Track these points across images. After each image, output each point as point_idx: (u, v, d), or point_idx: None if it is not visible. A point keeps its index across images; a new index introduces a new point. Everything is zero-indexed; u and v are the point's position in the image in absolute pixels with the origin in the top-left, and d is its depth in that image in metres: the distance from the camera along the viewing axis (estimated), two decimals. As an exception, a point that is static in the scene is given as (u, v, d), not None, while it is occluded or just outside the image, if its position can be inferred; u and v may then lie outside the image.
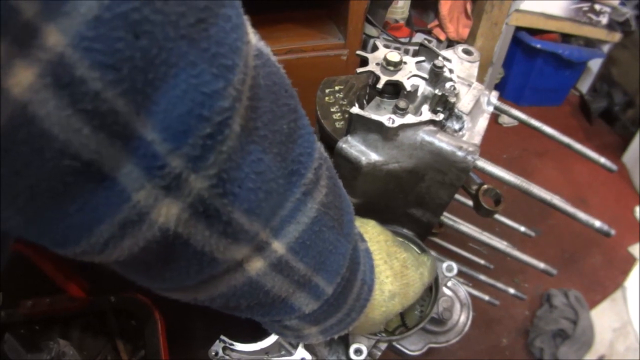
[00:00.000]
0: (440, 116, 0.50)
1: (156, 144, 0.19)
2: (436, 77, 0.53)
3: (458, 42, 1.75)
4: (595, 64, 2.09)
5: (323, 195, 0.32)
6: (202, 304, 0.34)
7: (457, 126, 0.55)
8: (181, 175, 0.21)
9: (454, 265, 0.59)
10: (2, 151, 0.16)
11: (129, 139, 0.19)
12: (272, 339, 0.56)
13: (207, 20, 0.20)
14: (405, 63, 0.51)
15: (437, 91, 0.51)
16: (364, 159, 0.50)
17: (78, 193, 0.19)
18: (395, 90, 0.51)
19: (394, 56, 0.50)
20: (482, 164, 0.50)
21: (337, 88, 0.63)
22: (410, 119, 0.48)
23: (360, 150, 0.50)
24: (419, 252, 0.57)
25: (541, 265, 0.68)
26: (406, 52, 1.63)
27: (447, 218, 0.62)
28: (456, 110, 0.55)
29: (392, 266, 0.48)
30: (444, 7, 1.71)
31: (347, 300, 0.41)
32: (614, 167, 0.61)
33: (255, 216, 0.26)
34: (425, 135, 0.49)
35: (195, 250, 0.25)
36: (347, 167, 0.52)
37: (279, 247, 0.30)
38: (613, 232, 0.49)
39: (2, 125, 0.16)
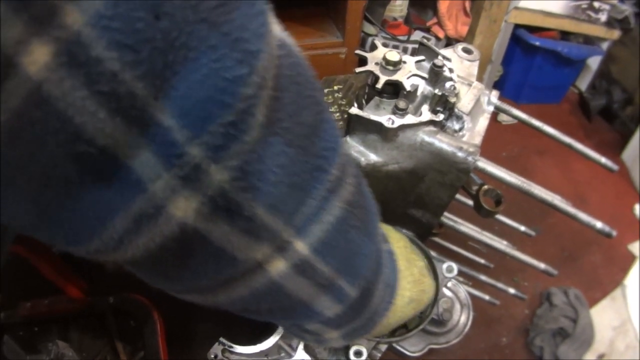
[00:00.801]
0: (441, 116, 0.50)
1: (174, 131, 0.18)
2: (436, 76, 0.53)
3: (457, 40, 1.75)
4: (594, 62, 2.09)
5: (349, 194, 0.30)
6: (222, 308, 0.33)
7: (457, 126, 0.55)
8: (201, 166, 0.20)
9: (454, 266, 0.58)
10: (17, 132, 0.16)
11: (146, 125, 0.18)
12: (271, 341, 0.56)
13: (229, 4, 0.19)
14: (404, 62, 0.51)
15: (437, 91, 0.51)
16: (363, 160, 0.49)
17: (92, 182, 0.19)
18: (394, 90, 0.51)
19: (393, 55, 0.50)
20: (483, 164, 0.50)
21: (335, 88, 0.62)
22: (410, 119, 0.48)
23: (360, 151, 0.50)
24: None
25: (541, 265, 0.68)
26: (405, 50, 1.62)
27: (447, 218, 0.62)
28: (456, 110, 0.55)
29: (412, 273, 0.47)
30: (443, 5, 1.71)
31: (371, 304, 0.40)
32: (615, 166, 0.60)
33: (279, 213, 0.25)
34: (425, 136, 0.49)
35: (215, 247, 0.24)
36: (346, 168, 0.51)
37: (302, 247, 0.28)
38: (615, 233, 0.48)
39: (18, 104, 0.15)
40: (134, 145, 0.18)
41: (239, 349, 0.55)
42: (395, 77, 0.50)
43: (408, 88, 0.49)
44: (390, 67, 0.50)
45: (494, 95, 0.61)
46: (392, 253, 0.45)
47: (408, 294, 0.45)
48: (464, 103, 0.55)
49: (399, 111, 0.48)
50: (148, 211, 0.20)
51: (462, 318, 0.65)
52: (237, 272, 0.27)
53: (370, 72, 0.51)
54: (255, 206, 0.23)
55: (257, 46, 0.20)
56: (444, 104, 0.52)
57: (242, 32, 0.19)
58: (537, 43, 1.86)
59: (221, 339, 0.55)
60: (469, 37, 1.77)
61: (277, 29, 0.24)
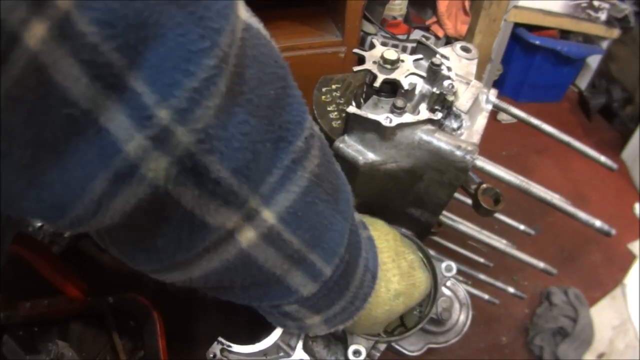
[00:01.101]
0: (439, 115, 0.50)
1: (145, 96, 0.21)
2: (434, 75, 0.53)
3: (456, 39, 1.75)
4: (594, 61, 2.09)
5: (314, 166, 0.32)
6: (198, 287, 0.34)
7: (455, 125, 0.55)
8: (168, 127, 0.22)
9: (453, 265, 0.58)
10: (16, 98, 0.18)
11: (121, 91, 0.20)
12: (270, 340, 0.56)
13: None
14: (402, 61, 0.51)
15: (435, 89, 0.51)
16: (361, 159, 0.49)
17: (76, 143, 0.21)
18: (392, 88, 0.51)
19: (391, 54, 0.50)
20: (481, 163, 0.50)
21: (334, 87, 0.62)
22: (408, 118, 0.48)
23: (358, 149, 0.50)
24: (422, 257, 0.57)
25: (541, 264, 0.68)
26: (404, 49, 1.62)
27: (446, 217, 0.62)
28: (454, 109, 0.55)
29: (399, 265, 0.47)
30: (442, 4, 1.70)
31: (350, 287, 0.40)
32: (614, 165, 0.60)
33: (244, 177, 0.26)
34: (423, 135, 0.49)
35: (186, 211, 0.25)
36: (344, 167, 0.51)
37: (269, 216, 0.29)
38: (614, 231, 0.48)
39: (18, 72, 0.18)
40: (111, 109, 0.21)
41: (238, 348, 0.54)
42: (393, 76, 0.50)
43: (406, 87, 0.49)
44: (388, 66, 0.50)
45: (493, 93, 0.61)
46: (372, 239, 0.45)
47: (395, 287, 0.46)
48: (462, 102, 0.55)
49: (396, 110, 0.48)
50: (123, 171, 0.22)
51: (461, 317, 0.65)
52: (210, 242, 0.28)
53: (368, 71, 0.51)
54: (221, 169, 0.25)
55: (220, 24, 0.23)
56: (442, 103, 0.52)
57: (207, 11, 0.22)
58: (537, 42, 1.86)
59: (220, 338, 0.55)
60: (469, 36, 1.77)
61: (244, 14, 0.26)
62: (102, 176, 0.22)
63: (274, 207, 0.29)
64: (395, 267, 0.47)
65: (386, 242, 0.48)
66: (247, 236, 0.29)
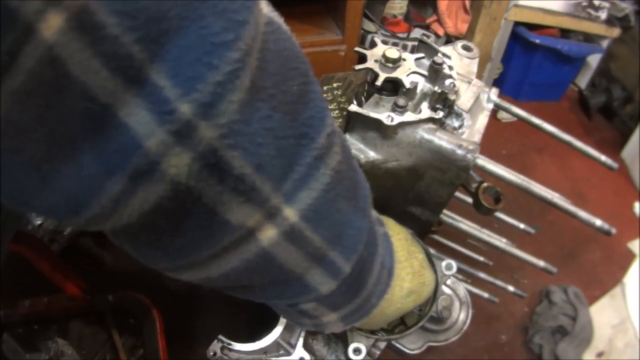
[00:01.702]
0: (440, 114, 0.49)
1: (167, 90, 0.20)
2: (435, 74, 0.53)
3: (457, 38, 1.75)
4: (594, 60, 2.08)
5: (336, 162, 0.31)
6: (216, 286, 0.33)
7: (456, 124, 0.55)
8: (191, 122, 0.21)
9: (453, 264, 0.58)
10: (30, 93, 0.18)
11: (142, 84, 0.20)
12: (270, 338, 0.56)
13: None
14: (404, 60, 0.51)
15: (436, 88, 0.51)
16: (362, 157, 0.49)
17: (93, 140, 0.20)
18: (394, 87, 0.51)
19: (392, 53, 0.50)
20: (482, 162, 0.50)
21: (335, 85, 0.62)
22: (409, 116, 0.48)
23: (359, 148, 0.50)
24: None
25: (541, 263, 0.68)
26: (404, 47, 1.62)
27: (447, 216, 0.62)
28: (456, 108, 0.55)
29: (412, 264, 0.47)
30: (443, 3, 1.70)
31: (367, 284, 0.40)
32: (614, 165, 0.60)
33: (267, 174, 0.26)
34: (424, 133, 0.49)
35: (207, 209, 0.25)
36: (345, 165, 0.51)
37: (291, 214, 0.29)
38: (614, 230, 0.48)
39: (32, 65, 0.17)
40: (131, 103, 0.20)
41: (238, 346, 0.54)
42: (394, 75, 0.49)
43: (407, 85, 0.49)
44: (390, 65, 0.50)
45: (494, 92, 0.61)
46: (388, 236, 0.45)
47: (407, 285, 0.46)
48: (464, 100, 0.55)
49: (398, 108, 0.48)
50: (143, 168, 0.21)
51: (461, 316, 0.65)
52: (230, 241, 0.27)
53: (370, 70, 0.50)
54: (244, 165, 0.24)
55: (244, 16, 0.22)
56: (443, 102, 0.52)
57: (230, 4, 0.21)
58: (537, 41, 1.86)
59: (220, 336, 0.55)
60: (469, 35, 1.77)
61: (266, 8, 0.26)
62: (121, 173, 0.21)
63: (296, 205, 0.29)
64: (408, 266, 0.46)
65: (399, 240, 0.48)
66: (268, 235, 0.28)
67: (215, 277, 0.30)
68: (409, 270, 0.46)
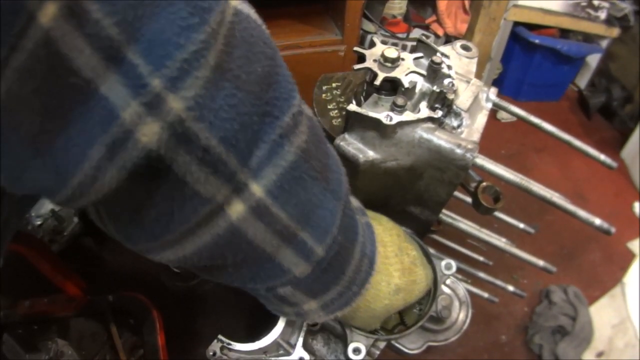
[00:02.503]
0: (439, 113, 0.50)
1: (140, 67, 0.23)
2: (434, 73, 0.53)
3: (456, 38, 1.75)
4: (593, 59, 2.09)
5: (302, 142, 0.33)
6: (192, 266, 0.35)
7: (455, 123, 0.55)
8: (160, 94, 0.24)
9: (453, 263, 0.58)
10: (28, 70, 0.21)
11: (120, 62, 0.23)
12: (270, 338, 0.56)
13: None
14: (403, 59, 0.51)
15: (435, 88, 0.51)
16: (361, 157, 0.49)
17: (79, 111, 0.23)
18: (393, 87, 0.51)
19: (391, 52, 0.50)
20: (481, 161, 0.50)
21: (334, 85, 0.62)
22: (408, 116, 0.48)
23: (358, 147, 0.50)
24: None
25: (540, 263, 0.68)
26: (404, 48, 1.62)
27: (446, 215, 0.62)
28: (455, 107, 0.55)
29: (402, 260, 0.48)
30: (442, 3, 1.70)
31: (345, 271, 0.40)
32: (614, 164, 0.60)
33: (232, 147, 0.28)
34: (423, 133, 0.49)
35: (177, 178, 0.27)
36: (344, 165, 0.51)
37: (257, 189, 0.31)
38: (613, 230, 0.48)
39: (31, 47, 0.20)
40: (111, 79, 0.23)
41: (238, 346, 0.54)
42: (393, 74, 0.50)
43: (406, 85, 0.49)
44: (389, 64, 0.50)
45: (493, 92, 0.61)
46: (371, 226, 0.46)
47: (396, 282, 0.46)
48: (463, 100, 0.55)
49: (397, 108, 0.48)
50: (119, 136, 0.24)
51: (460, 315, 0.65)
52: (201, 216, 0.30)
53: (369, 69, 0.51)
54: (209, 137, 0.27)
55: (209, 4, 0.25)
56: (442, 101, 0.52)
57: None
58: (537, 41, 1.86)
59: (220, 336, 0.55)
60: (468, 35, 1.77)
61: (235, 1, 0.29)
62: (101, 141, 0.24)
63: (262, 180, 0.31)
64: (398, 262, 0.47)
65: (390, 237, 0.48)
66: (237, 209, 0.30)
67: (190, 254, 0.32)
68: (399, 266, 0.47)
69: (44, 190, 0.26)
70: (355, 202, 0.45)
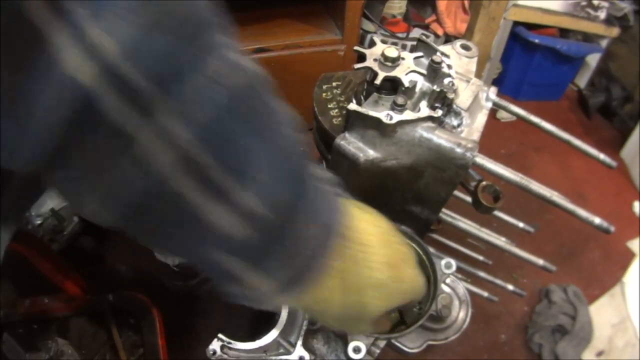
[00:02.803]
0: (439, 112, 0.50)
1: (87, 26, 0.26)
2: (434, 72, 0.53)
3: (456, 37, 1.75)
4: (593, 59, 2.09)
5: (233, 86, 0.31)
6: (124, 224, 0.32)
7: (455, 122, 0.55)
8: (95, 40, 0.26)
9: (453, 262, 0.58)
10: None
11: (66, 14, 0.25)
12: (270, 337, 0.56)
13: None
14: (403, 59, 0.51)
15: (435, 87, 0.51)
16: (361, 156, 0.49)
17: (33, 62, 0.25)
18: (393, 86, 0.51)
19: (391, 52, 0.50)
20: (481, 160, 0.50)
21: (334, 84, 0.62)
22: (408, 115, 0.48)
23: (358, 147, 0.50)
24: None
25: (540, 261, 0.68)
26: (404, 47, 1.62)
27: (446, 215, 0.62)
28: (455, 107, 0.55)
29: (388, 254, 0.44)
30: (442, 3, 1.71)
31: (298, 240, 0.36)
32: (613, 163, 0.61)
33: (157, 85, 0.28)
34: (423, 132, 0.49)
35: (105, 118, 0.27)
36: (345, 163, 0.51)
37: (182, 130, 0.29)
38: (612, 228, 0.49)
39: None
40: (58, 30, 0.25)
41: (238, 345, 0.55)
42: (393, 73, 0.50)
43: (406, 84, 0.49)
44: (389, 64, 0.50)
45: (492, 91, 0.61)
46: (339, 195, 0.42)
47: (377, 275, 0.42)
48: (463, 99, 0.55)
49: (397, 107, 0.48)
50: (61, 78, 0.26)
51: (460, 314, 0.65)
52: (129, 156, 0.29)
53: (369, 69, 0.51)
54: (136, 75, 0.27)
55: None
56: (442, 100, 0.52)
57: None
58: (536, 40, 1.86)
59: (220, 335, 0.55)
60: (468, 35, 1.77)
61: None
62: (47, 87, 0.26)
63: (188, 123, 0.30)
64: (381, 254, 0.43)
65: (378, 227, 0.44)
66: (161, 158, 0.29)
67: (125, 203, 0.31)
68: (383, 259, 0.43)
69: (11, 148, 0.27)
70: (326, 174, 0.41)
